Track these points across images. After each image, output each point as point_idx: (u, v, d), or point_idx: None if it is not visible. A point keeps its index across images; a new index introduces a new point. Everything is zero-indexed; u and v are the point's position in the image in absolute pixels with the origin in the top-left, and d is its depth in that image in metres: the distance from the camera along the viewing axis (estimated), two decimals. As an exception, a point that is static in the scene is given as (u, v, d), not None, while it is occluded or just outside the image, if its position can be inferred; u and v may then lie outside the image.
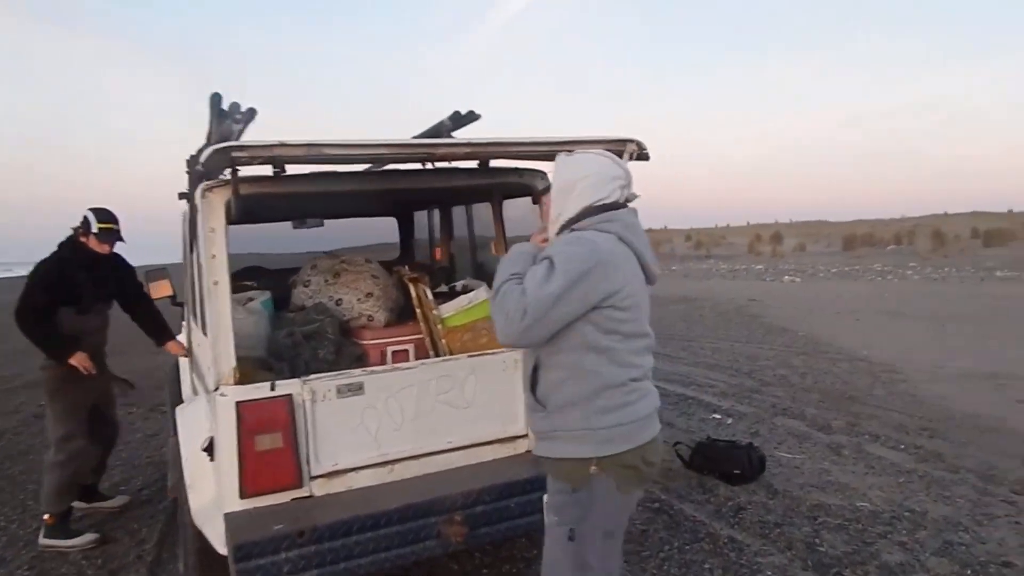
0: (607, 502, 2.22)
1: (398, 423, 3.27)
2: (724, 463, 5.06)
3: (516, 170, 3.98)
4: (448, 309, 3.89)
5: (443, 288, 4.52)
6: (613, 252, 2.15)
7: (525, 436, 3.47)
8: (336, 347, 3.79)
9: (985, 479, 4.83)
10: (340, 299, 3.99)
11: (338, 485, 3.20)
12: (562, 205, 2.30)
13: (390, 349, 3.82)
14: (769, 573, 3.74)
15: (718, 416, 6.60)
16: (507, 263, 2.25)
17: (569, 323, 2.12)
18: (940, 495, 4.60)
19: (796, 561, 3.85)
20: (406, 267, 4.42)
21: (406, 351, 3.83)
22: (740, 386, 7.69)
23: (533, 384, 2.29)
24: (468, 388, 3.37)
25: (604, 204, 2.25)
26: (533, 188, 3.94)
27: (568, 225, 2.28)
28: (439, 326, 3.84)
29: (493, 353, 3.50)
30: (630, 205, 2.37)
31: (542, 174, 3.95)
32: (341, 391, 3.17)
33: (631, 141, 3.24)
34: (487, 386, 3.37)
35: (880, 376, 7.95)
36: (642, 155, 3.34)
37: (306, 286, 4.08)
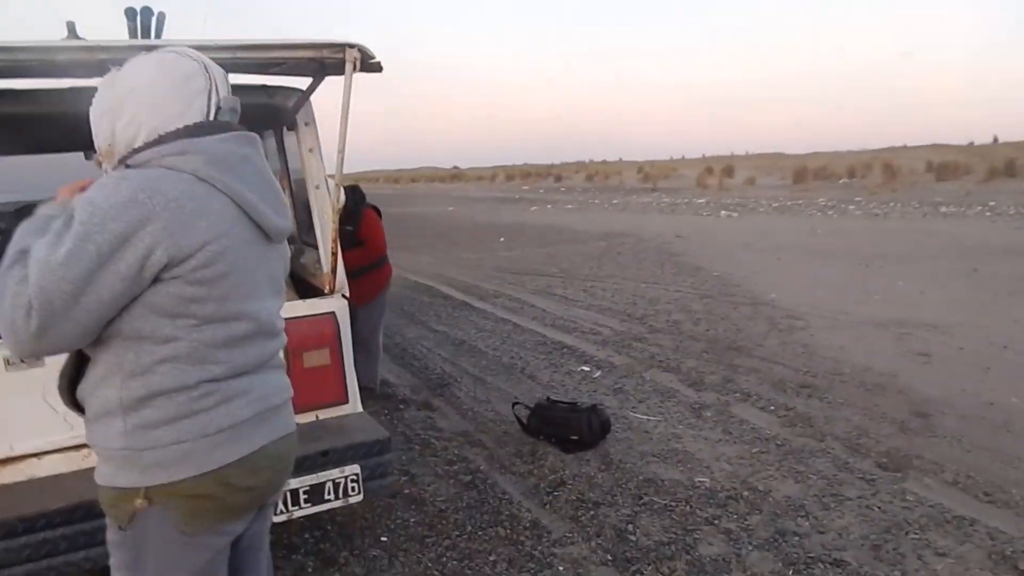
0: (167, 548, 1.52)
1: None
2: (561, 428, 4.43)
3: (263, 88, 3.23)
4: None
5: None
6: (186, 199, 1.41)
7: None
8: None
9: (850, 449, 4.25)
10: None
11: (14, 474, 2.68)
12: (110, 134, 1.53)
13: None
14: (560, 568, 3.13)
15: (587, 368, 5.97)
16: (17, 238, 1.45)
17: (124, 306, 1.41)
18: (793, 469, 4.01)
19: (598, 552, 3.25)
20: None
21: None
22: (626, 333, 7.06)
23: (72, 380, 1.57)
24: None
25: (184, 128, 1.49)
26: (282, 111, 3.22)
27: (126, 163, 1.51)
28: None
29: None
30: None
31: (296, 93, 3.22)
32: (10, 362, 2.62)
33: (351, 47, 2.55)
34: None
35: (779, 323, 7.36)
36: (370, 66, 2.63)
37: None
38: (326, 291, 3.19)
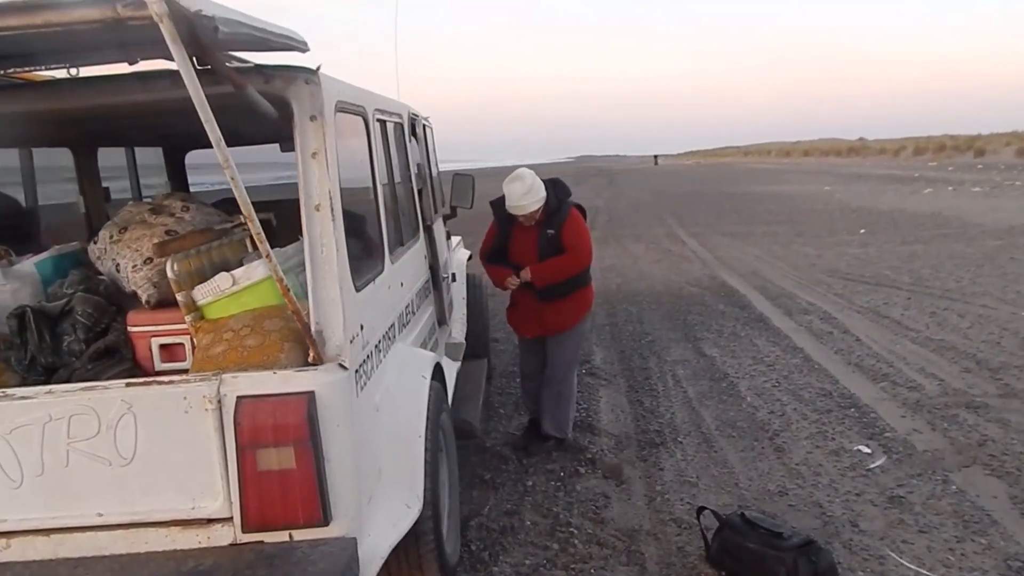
0: None
1: (16, 479, 2.15)
2: (752, 568, 2.92)
3: (257, 69, 2.35)
4: (204, 293, 2.53)
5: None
6: None
7: (228, 520, 2.14)
8: (87, 334, 2.65)
9: None
10: (119, 264, 2.82)
11: None
12: None
13: (156, 342, 2.66)
14: None
15: (867, 449, 4.11)
16: None
17: None
18: None
19: None
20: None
21: (181, 346, 2.65)
22: (960, 393, 4.87)
23: None
24: (124, 434, 2.09)
25: None
26: (285, 105, 2.30)
27: None
28: (190, 317, 2.53)
29: (166, 382, 2.14)
30: None
31: (306, 75, 2.30)
32: None
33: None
34: (158, 433, 2.10)
35: None
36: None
37: (95, 243, 2.91)
38: (309, 359, 2.21)
